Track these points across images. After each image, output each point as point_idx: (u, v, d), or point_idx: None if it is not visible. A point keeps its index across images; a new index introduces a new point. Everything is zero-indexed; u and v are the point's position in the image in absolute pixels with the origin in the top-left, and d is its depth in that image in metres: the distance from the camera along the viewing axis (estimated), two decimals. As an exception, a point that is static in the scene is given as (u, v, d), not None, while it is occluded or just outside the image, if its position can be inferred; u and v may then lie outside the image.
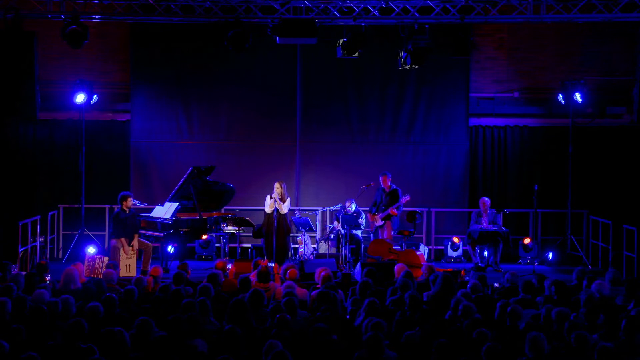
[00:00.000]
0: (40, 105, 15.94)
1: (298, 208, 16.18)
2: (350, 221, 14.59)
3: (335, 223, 15.26)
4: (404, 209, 15.35)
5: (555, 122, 17.28)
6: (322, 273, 11.17)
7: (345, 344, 7.78)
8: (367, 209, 15.46)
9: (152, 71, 17.10)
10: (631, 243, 14.76)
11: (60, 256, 16.29)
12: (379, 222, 15.14)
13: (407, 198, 14.98)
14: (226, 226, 15.14)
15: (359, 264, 13.61)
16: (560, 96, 16.64)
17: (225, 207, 15.94)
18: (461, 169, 17.31)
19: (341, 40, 14.87)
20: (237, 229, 15.20)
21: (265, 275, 10.89)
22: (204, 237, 15.46)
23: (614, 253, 15.39)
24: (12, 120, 16.85)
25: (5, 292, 9.19)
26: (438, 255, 16.70)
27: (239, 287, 10.35)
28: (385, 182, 15.23)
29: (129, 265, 13.79)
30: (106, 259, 13.47)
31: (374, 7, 14.94)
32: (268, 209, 14.69)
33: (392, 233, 15.07)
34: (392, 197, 15.08)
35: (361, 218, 15.10)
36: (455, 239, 16.35)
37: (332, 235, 15.51)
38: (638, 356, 7.52)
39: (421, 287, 10.63)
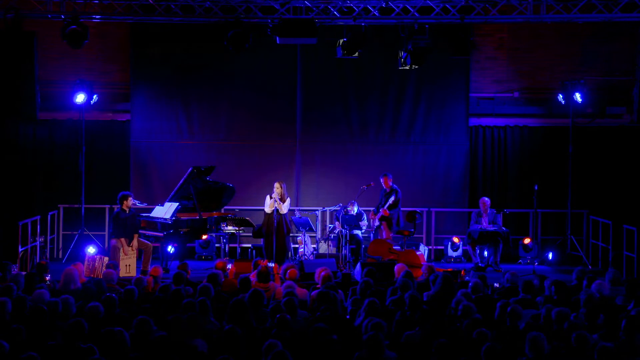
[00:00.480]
0: (40, 105, 15.94)
1: (298, 208, 16.18)
2: (350, 221, 14.60)
3: (336, 223, 15.27)
4: (403, 208, 15.35)
5: (555, 122, 17.28)
6: (322, 273, 11.17)
7: (345, 344, 7.78)
8: (369, 209, 15.47)
9: (152, 71, 17.10)
10: (631, 243, 14.75)
11: (60, 256, 16.29)
12: (376, 222, 15.15)
13: (393, 199, 14.94)
14: (226, 226, 15.13)
15: (359, 264, 13.61)
16: (560, 96, 16.63)
17: (225, 207, 15.94)
18: (461, 169, 17.30)
19: (341, 40, 14.87)
20: (237, 229, 15.19)
21: (265, 275, 10.89)
22: (204, 237, 15.46)
23: (614, 253, 15.38)
24: (12, 120, 16.84)
25: (5, 292, 9.18)
26: (438, 255, 16.69)
27: (239, 287, 10.35)
28: (387, 183, 15.22)
29: (129, 265, 13.78)
30: (106, 259, 13.48)
31: (374, 7, 14.93)
32: (268, 209, 14.69)
33: (391, 234, 15.07)
34: (388, 198, 15.09)
35: (363, 220, 15.10)
36: (455, 239, 16.35)
37: (332, 236, 15.51)
38: (638, 356, 7.52)
39: (421, 287, 10.63)
